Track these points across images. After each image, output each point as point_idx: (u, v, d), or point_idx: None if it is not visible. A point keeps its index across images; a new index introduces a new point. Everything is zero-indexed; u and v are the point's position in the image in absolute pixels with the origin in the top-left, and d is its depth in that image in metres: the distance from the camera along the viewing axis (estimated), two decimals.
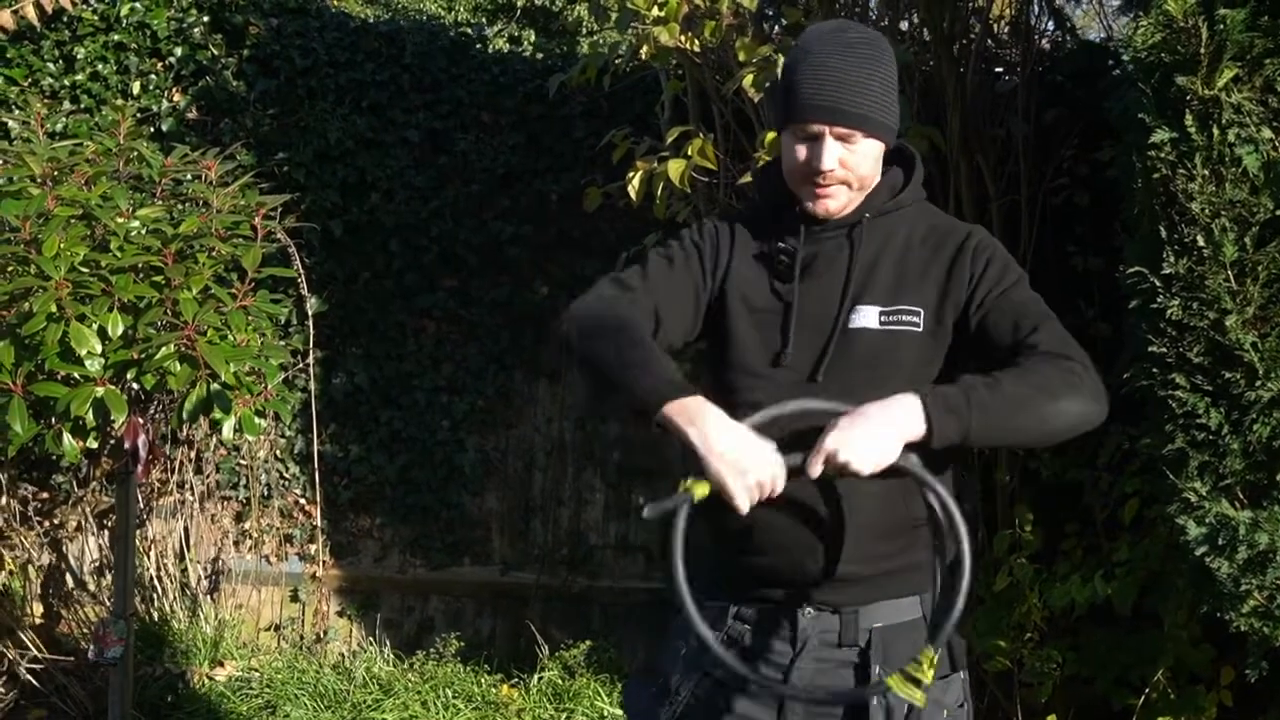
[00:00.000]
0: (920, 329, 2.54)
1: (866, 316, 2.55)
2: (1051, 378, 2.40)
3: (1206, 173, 3.82)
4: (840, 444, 2.29)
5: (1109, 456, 4.88)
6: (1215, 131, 3.80)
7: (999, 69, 5.73)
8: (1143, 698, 4.60)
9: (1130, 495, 4.68)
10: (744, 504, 2.31)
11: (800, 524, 2.50)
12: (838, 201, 2.59)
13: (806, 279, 2.62)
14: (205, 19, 6.49)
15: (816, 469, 2.31)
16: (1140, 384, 4.01)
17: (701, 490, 2.33)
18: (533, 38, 7.55)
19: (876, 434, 2.31)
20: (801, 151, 2.57)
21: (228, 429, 4.29)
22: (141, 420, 4.53)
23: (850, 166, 2.55)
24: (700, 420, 2.33)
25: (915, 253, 2.62)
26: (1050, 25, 5.77)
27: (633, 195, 5.14)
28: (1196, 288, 3.84)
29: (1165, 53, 3.86)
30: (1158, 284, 3.90)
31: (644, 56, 5.14)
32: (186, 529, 6.47)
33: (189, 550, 6.45)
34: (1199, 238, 3.83)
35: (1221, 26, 3.76)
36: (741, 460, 2.30)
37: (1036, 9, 5.61)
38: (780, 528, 2.48)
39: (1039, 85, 5.44)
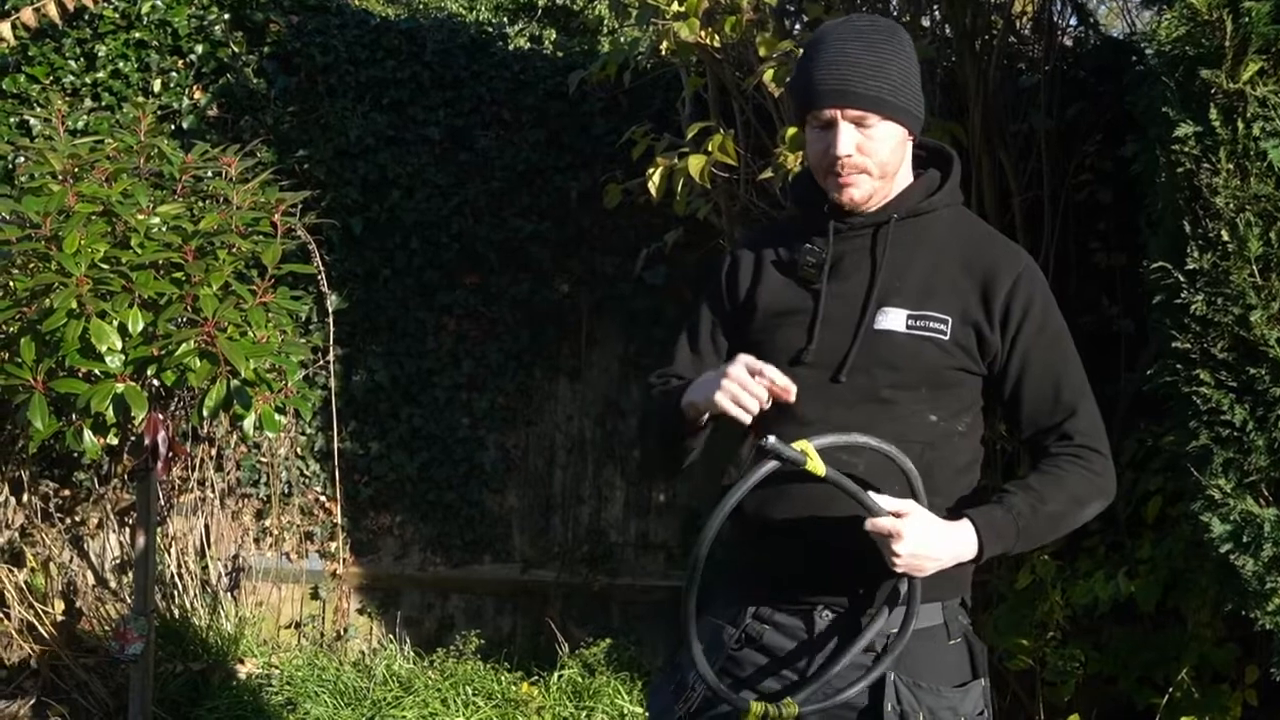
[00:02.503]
0: (947, 336, 2.52)
1: (893, 319, 2.54)
2: (1083, 485, 2.54)
3: (1231, 167, 3.78)
4: (907, 545, 2.37)
5: (1132, 454, 4.85)
6: (1240, 125, 3.76)
7: (1021, 65, 5.70)
8: (1166, 697, 4.57)
9: (1153, 493, 4.65)
10: (725, 404, 2.44)
11: (817, 525, 2.50)
12: (861, 190, 2.56)
13: (833, 279, 2.61)
14: (226, 16, 6.50)
15: (872, 528, 2.39)
16: (1164, 380, 3.98)
17: (815, 465, 2.36)
18: (553, 36, 7.54)
19: (934, 557, 2.42)
20: (819, 141, 2.56)
21: (249, 424, 4.29)
22: (162, 417, 4.53)
23: (868, 152, 2.52)
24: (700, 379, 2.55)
25: (948, 262, 2.59)
26: (1073, 21, 5.75)
27: (653, 191, 5.13)
28: (1221, 283, 3.81)
29: (1189, 46, 3.83)
30: (1181, 279, 3.87)
31: (664, 52, 5.13)
32: (207, 526, 6.48)
33: (209, 547, 6.46)
34: (1223, 232, 3.79)
35: (1246, 19, 3.72)
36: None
37: (1059, 4, 5.57)
38: (799, 527, 2.48)
39: (1061, 81, 5.41)
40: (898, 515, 2.38)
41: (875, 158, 2.54)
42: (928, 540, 2.39)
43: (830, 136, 2.53)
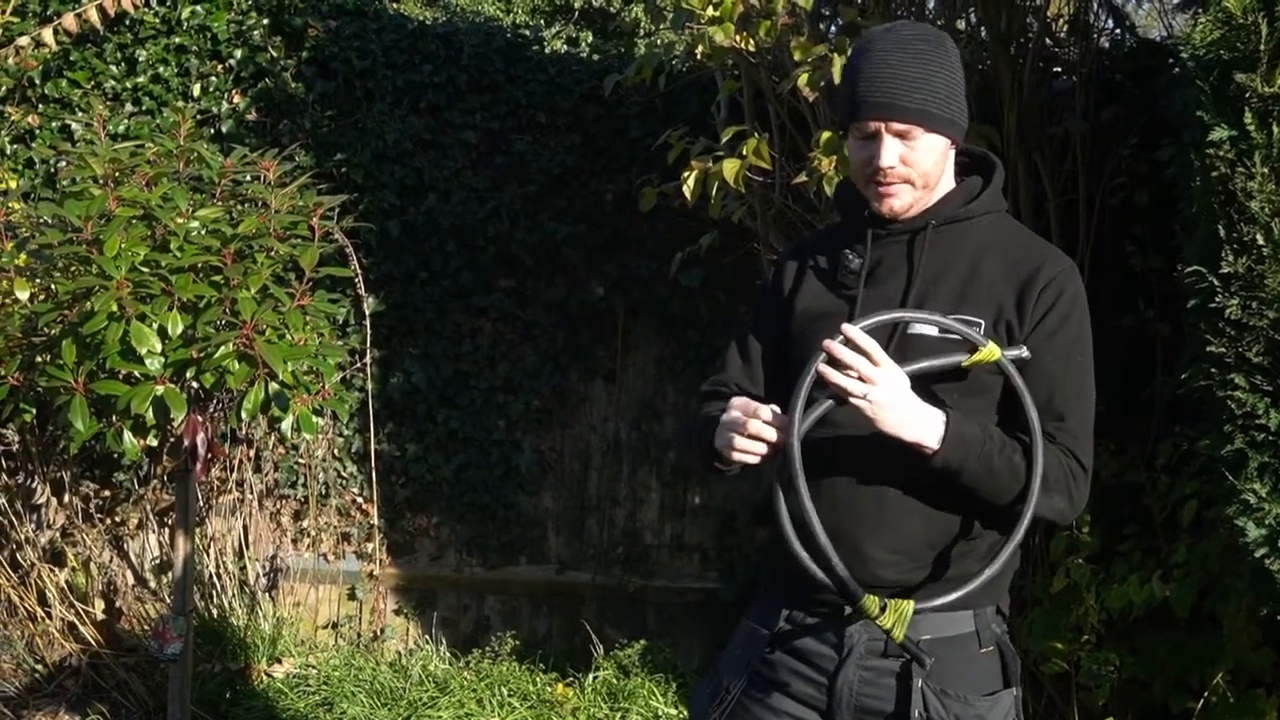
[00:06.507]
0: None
1: (925, 323, 2.54)
2: (1055, 474, 2.49)
3: (1266, 171, 3.77)
4: (880, 400, 2.39)
5: (1167, 458, 4.84)
6: (1275, 129, 3.75)
7: (1057, 68, 5.69)
8: (1201, 701, 4.56)
9: (1189, 497, 4.63)
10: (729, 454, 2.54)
11: (852, 528, 2.52)
12: (902, 200, 2.58)
13: (870, 284, 2.62)
14: (265, 22, 6.55)
15: (838, 386, 2.40)
16: (1199, 384, 3.97)
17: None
18: (589, 39, 7.55)
19: (892, 417, 2.40)
20: (862, 151, 2.56)
21: (286, 425, 4.32)
22: (201, 418, 4.57)
23: (911, 163, 2.53)
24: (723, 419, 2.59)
25: (988, 267, 2.59)
26: (1110, 23, 5.73)
27: (688, 195, 5.13)
28: (1256, 286, 3.80)
29: (1224, 50, 3.82)
30: (1216, 283, 3.86)
31: (699, 56, 5.14)
32: (245, 527, 6.52)
33: (248, 548, 6.51)
34: (1258, 236, 3.78)
35: None
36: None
37: (1095, 6, 5.56)
38: (833, 530, 2.46)
39: (1097, 84, 5.40)
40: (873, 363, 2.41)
41: (918, 169, 2.55)
42: (897, 397, 2.40)
43: (873, 148, 2.54)
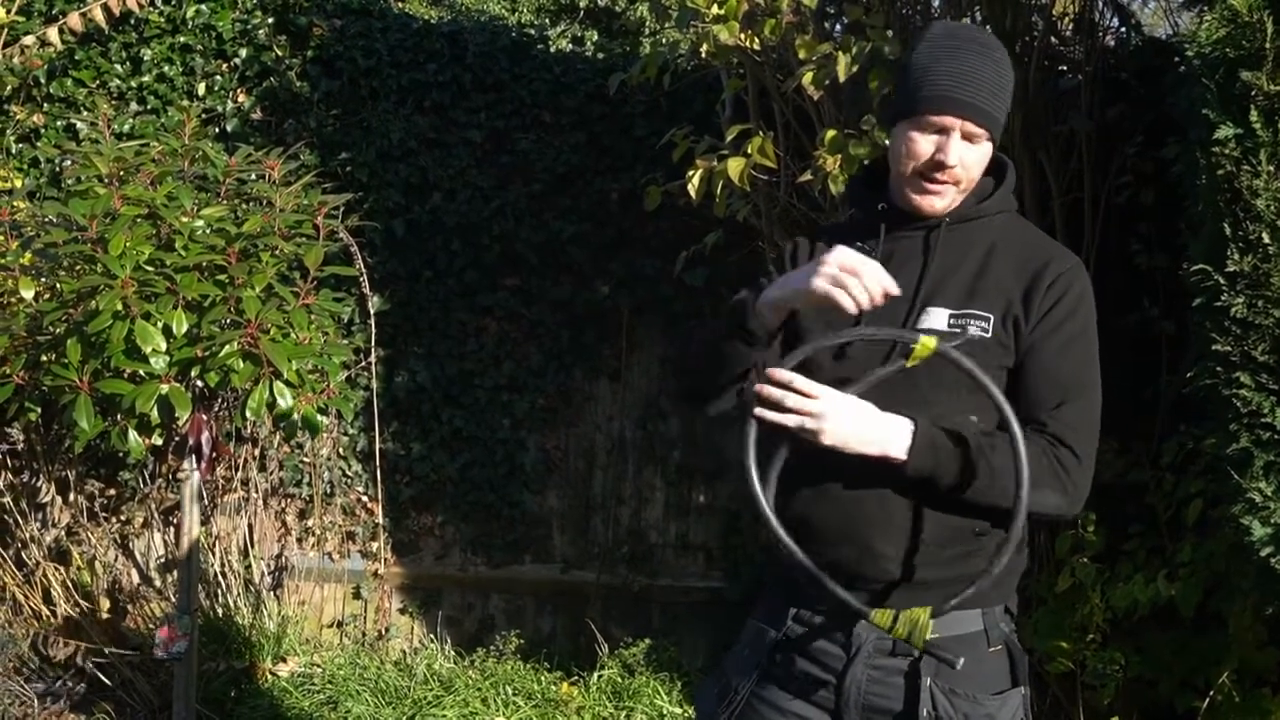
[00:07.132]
0: (989, 334, 2.52)
1: (935, 318, 2.54)
2: (1040, 467, 2.44)
3: (1272, 169, 3.77)
4: (824, 426, 2.39)
5: (1172, 457, 4.83)
6: None
7: (1062, 67, 5.68)
8: (1207, 700, 4.55)
9: (1194, 496, 4.63)
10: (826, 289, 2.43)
11: (858, 527, 2.51)
12: (944, 200, 2.57)
13: None
14: (270, 21, 6.55)
15: (776, 423, 2.40)
16: (1204, 383, 3.96)
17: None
18: (594, 38, 7.54)
19: (851, 437, 2.41)
20: (925, 143, 2.54)
21: (295, 417, 4.32)
22: (205, 417, 4.57)
23: (967, 166, 2.54)
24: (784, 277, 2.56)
25: (998, 265, 2.58)
26: (1115, 22, 5.72)
27: (692, 194, 5.13)
28: (1261, 285, 3.79)
29: (1229, 48, 3.82)
30: (1222, 281, 3.86)
31: (704, 55, 5.14)
32: (250, 526, 6.52)
33: (253, 547, 6.51)
34: (1264, 234, 3.78)
35: None
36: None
37: (1100, 5, 5.55)
38: (839, 530, 2.48)
39: (1102, 82, 5.39)
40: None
41: (969, 173, 2.56)
42: (843, 418, 2.40)
43: (942, 143, 2.52)
